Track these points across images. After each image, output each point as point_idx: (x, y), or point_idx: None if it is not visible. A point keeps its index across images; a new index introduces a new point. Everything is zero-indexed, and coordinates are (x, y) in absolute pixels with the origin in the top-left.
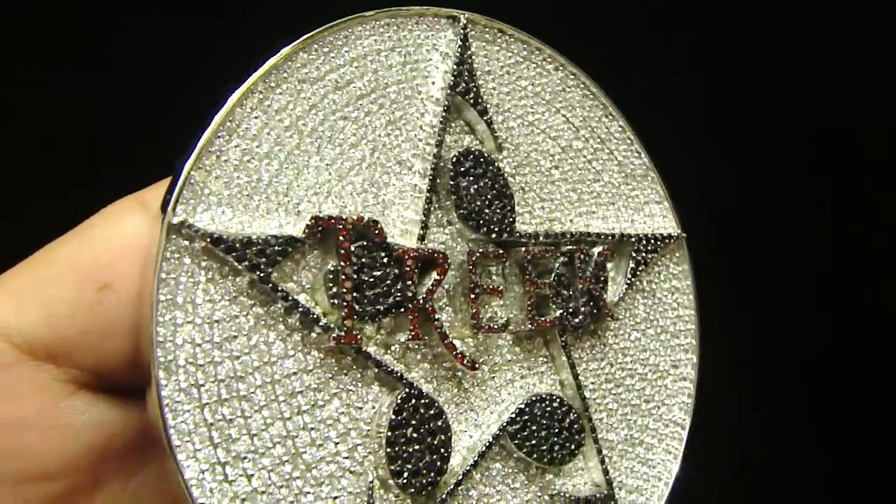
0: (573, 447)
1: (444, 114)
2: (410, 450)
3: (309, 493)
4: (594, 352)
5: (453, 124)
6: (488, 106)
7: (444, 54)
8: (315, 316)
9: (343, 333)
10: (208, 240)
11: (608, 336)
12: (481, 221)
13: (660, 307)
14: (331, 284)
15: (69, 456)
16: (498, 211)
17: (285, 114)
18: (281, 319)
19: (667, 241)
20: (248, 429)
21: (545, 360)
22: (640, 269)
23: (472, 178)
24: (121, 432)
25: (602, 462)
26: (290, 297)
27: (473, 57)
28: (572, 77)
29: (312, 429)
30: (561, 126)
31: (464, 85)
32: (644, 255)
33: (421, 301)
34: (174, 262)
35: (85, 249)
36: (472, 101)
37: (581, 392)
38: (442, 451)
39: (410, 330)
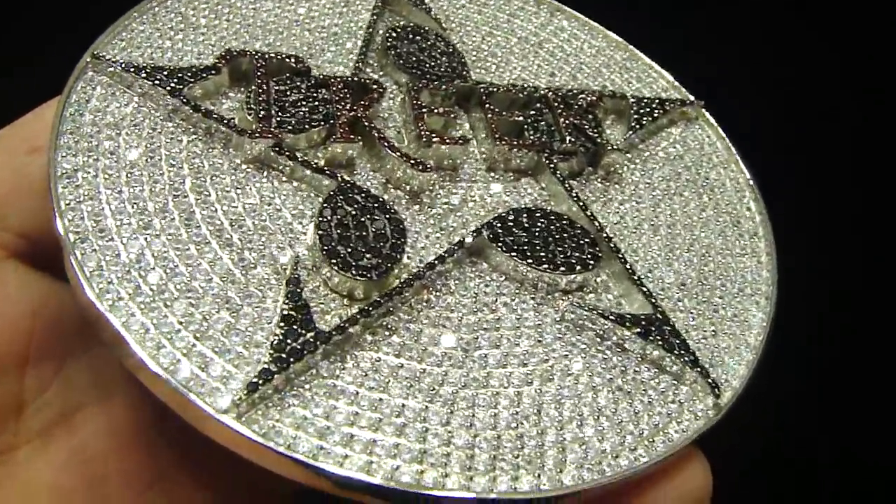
0: (585, 256)
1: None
2: (346, 234)
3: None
4: (610, 195)
5: (389, 18)
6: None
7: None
8: (232, 121)
9: (258, 130)
10: (121, 67)
11: (628, 185)
12: (426, 70)
13: (698, 169)
14: (248, 100)
15: None
16: (445, 64)
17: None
18: (202, 138)
19: (675, 104)
20: (167, 233)
21: (535, 194)
22: (646, 120)
23: (412, 42)
24: (51, 311)
25: (637, 283)
26: (202, 108)
27: None
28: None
29: (240, 228)
30: (518, 36)
31: None
32: (649, 111)
33: (353, 111)
34: (83, 93)
35: (18, 123)
36: None
37: (590, 216)
38: (392, 241)
39: (341, 133)
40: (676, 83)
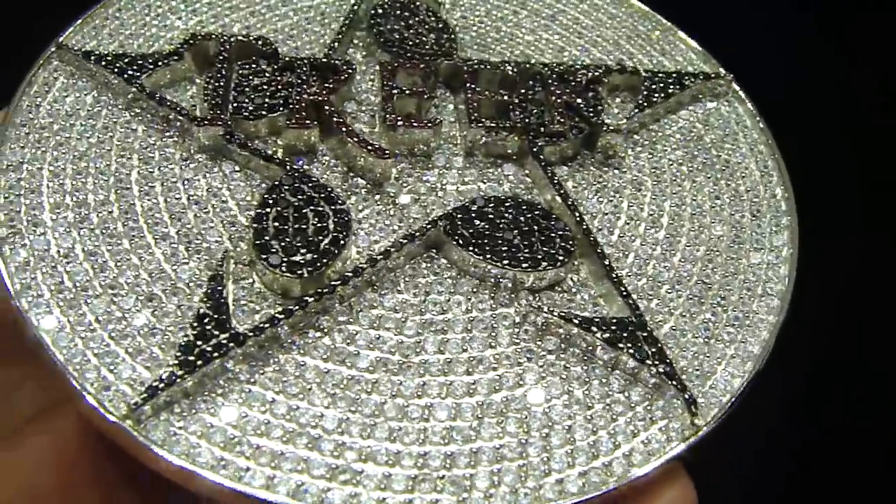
0: (555, 251)
1: None
2: (284, 227)
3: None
4: (606, 181)
5: None
6: None
7: None
8: (184, 109)
9: (208, 117)
10: (81, 56)
11: (630, 170)
12: (409, 48)
13: (719, 151)
14: (206, 85)
15: None
16: (432, 41)
17: None
18: (158, 127)
19: (696, 78)
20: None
21: (517, 181)
22: (657, 97)
23: (398, 19)
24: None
25: (616, 282)
26: (156, 95)
27: None
28: None
29: (179, 221)
30: (529, 9)
31: None
32: (662, 86)
33: (314, 95)
34: (44, 84)
35: None
36: None
37: (571, 206)
38: (333, 236)
39: (296, 118)
40: (708, 56)
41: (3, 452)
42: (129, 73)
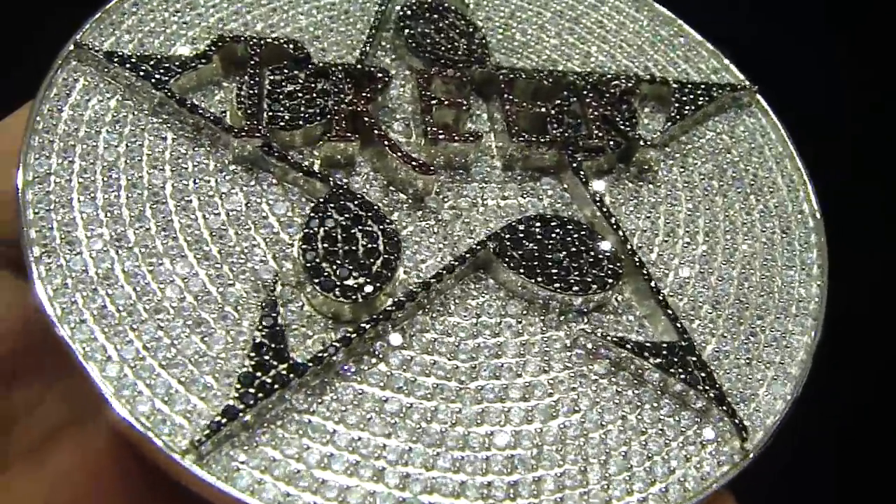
0: (604, 274)
1: None
2: (333, 248)
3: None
4: (642, 196)
5: None
6: None
7: None
8: (218, 118)
9: (245, 128)
10: (103, 56)
11: (664, 184)
12: (441, 54)
13: (747, 165)
14: (239, 93)
15: None
16: (464, 46)
17: None
18: (189, 135)
19: (723, 90)
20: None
21: (556, 196)
22: (688, 110)
23: (428, 22)
24: (44, 322)
25: (662, 305)
26: (188, 102)
27: None
28: None
29: (221, 239)
30: (553, 11)
31: None
32: (692, 98)
33: (352, 105)
34: (63, 87)
35: (3, 124)
36: None
37: (614, 226)
38: (384, 258)
39: (336, 130)
40: (729, 64)
41: (25, 470)
42: (157, 76)
